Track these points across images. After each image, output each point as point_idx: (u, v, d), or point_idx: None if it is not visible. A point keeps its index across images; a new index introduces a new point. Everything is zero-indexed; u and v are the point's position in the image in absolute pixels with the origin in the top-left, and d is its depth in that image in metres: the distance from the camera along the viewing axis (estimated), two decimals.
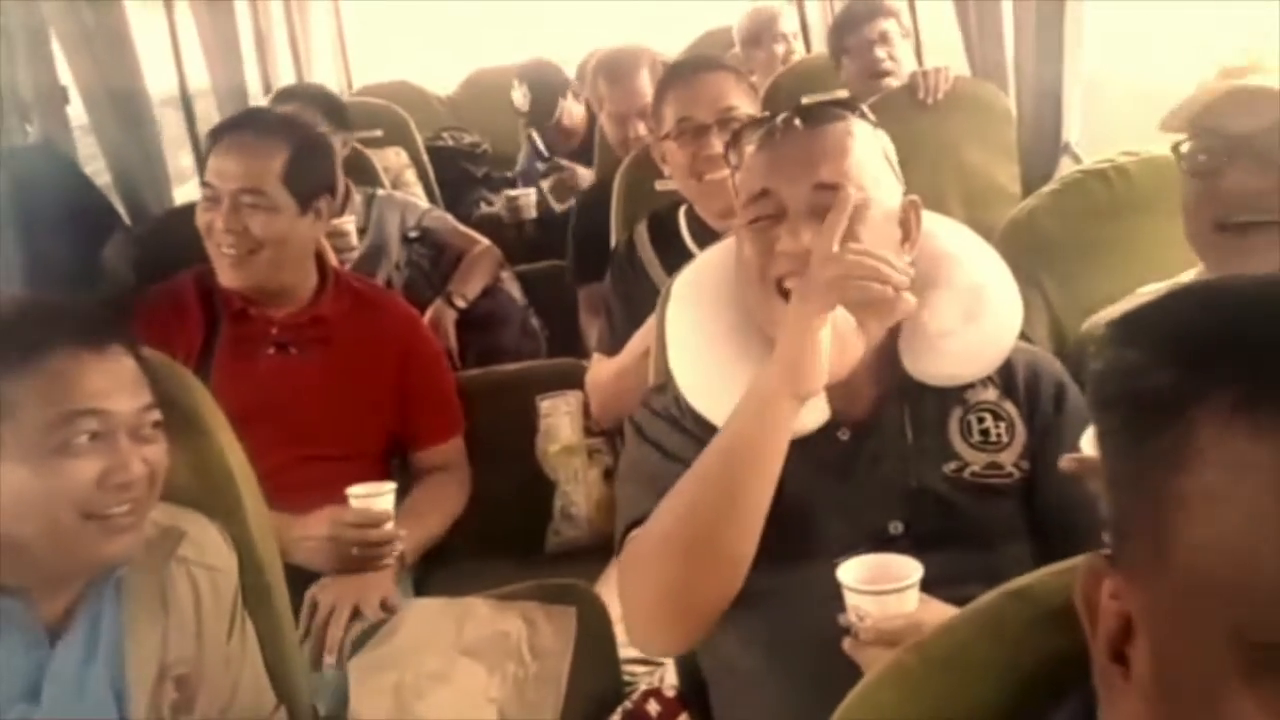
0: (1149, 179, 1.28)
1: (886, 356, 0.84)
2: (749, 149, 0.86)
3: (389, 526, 1.20)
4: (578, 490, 1.48)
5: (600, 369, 1.37)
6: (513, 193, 2.48)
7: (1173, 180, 1.28)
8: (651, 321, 1.19)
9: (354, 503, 1.19)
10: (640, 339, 1.23)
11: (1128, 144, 1.34)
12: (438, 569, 1.43)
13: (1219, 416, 0.35)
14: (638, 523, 0.82)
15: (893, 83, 1.99)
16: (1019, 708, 0.47)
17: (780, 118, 0.85)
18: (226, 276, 1.35)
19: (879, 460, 0.84)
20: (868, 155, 0.84)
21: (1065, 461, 0.72)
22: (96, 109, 1.62)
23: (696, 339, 0.89)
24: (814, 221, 0.79)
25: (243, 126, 1.41)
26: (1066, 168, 1.51)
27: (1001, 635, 0.47)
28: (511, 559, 1.39)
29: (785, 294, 0.80)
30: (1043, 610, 0.47)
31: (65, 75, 1.59)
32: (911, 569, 0.72)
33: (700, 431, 0.84)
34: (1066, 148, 1.55)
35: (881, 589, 0.71)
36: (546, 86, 2.50)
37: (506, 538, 1.44)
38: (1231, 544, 0.34)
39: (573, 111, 2.53)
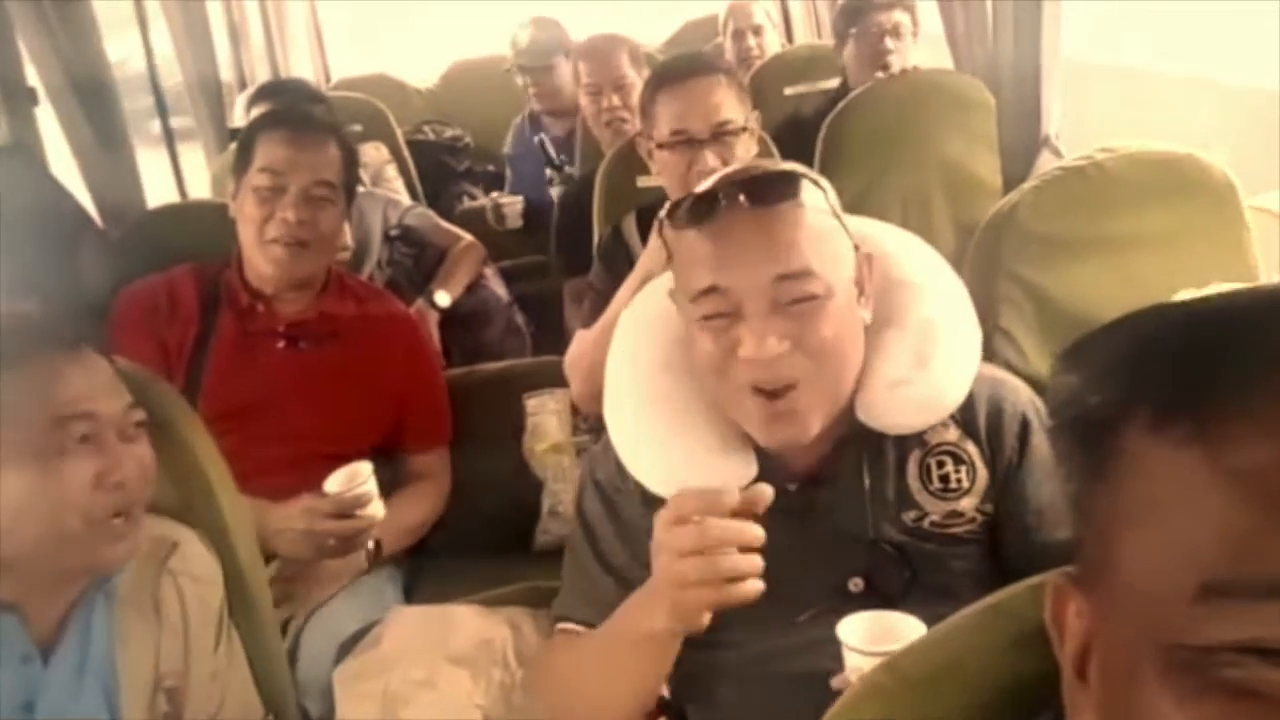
0: (1127, 175, 1.29)
1: (841, 405, 0.79)
2: (683, 228, 0.77)
3: (374, 505, 1.20)
4: (565, 488, 1.47)
5: (579, 340, 1.33)
6: (501, 199, 2.39)
7: (1150, 175, 1.30)
8: (633, 282, 1.18)
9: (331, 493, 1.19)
10: (621, 301, 1.19)
11: (1108, 130, 1.35)
12: (426, 567, 1.43)
13: (1141, 433, 0.36)
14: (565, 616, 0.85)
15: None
16: None
17: (722, 195, 0.75)
18: (275, 268, 1.31)
19: (833, 512, 0.80)
20: (822, 226, 0.76)
21: None
22: (64, 110, 1.58)
23: (635, 401, 0.83)
24: (778, 320, 0.73)
25: (294, 120, 1.38)
26: (1047, 161, 1.51)
27: (978, 651, 0.48)
28: (500, 558, 1.39)
29: (757, 390, 0.75)
30: (1019, 626, 0.47)
31: (33, 76, 1.56)
32: (913, 628, 0.68)
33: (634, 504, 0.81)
34: (1046, 141, 1.55)
35: (884, 650, 0.64)
36: (548, 36, 2.47)
37: (494, 536, 1.44)
38: (1150, 553, 0.35)
39: (565, 80, 2.45)
